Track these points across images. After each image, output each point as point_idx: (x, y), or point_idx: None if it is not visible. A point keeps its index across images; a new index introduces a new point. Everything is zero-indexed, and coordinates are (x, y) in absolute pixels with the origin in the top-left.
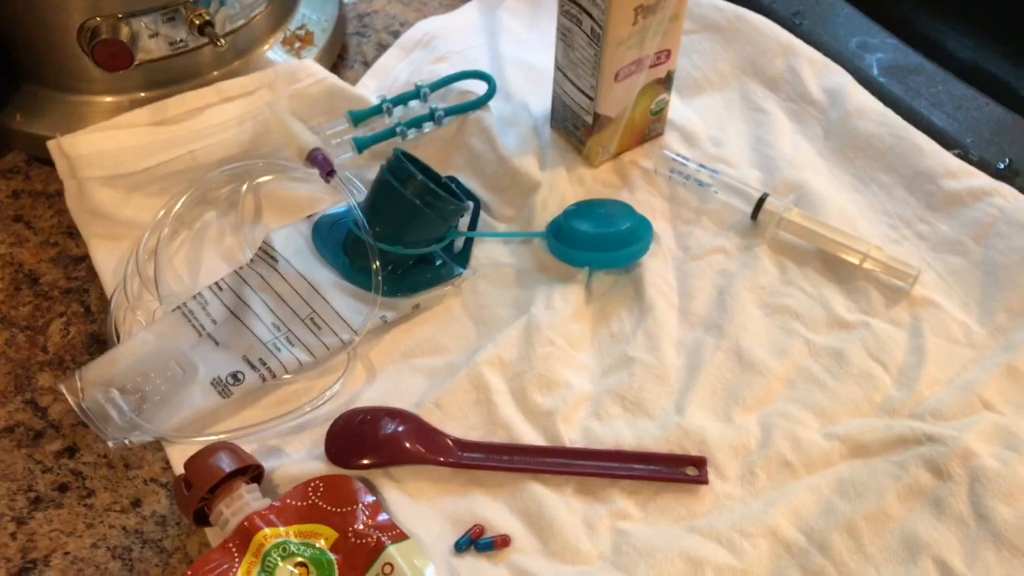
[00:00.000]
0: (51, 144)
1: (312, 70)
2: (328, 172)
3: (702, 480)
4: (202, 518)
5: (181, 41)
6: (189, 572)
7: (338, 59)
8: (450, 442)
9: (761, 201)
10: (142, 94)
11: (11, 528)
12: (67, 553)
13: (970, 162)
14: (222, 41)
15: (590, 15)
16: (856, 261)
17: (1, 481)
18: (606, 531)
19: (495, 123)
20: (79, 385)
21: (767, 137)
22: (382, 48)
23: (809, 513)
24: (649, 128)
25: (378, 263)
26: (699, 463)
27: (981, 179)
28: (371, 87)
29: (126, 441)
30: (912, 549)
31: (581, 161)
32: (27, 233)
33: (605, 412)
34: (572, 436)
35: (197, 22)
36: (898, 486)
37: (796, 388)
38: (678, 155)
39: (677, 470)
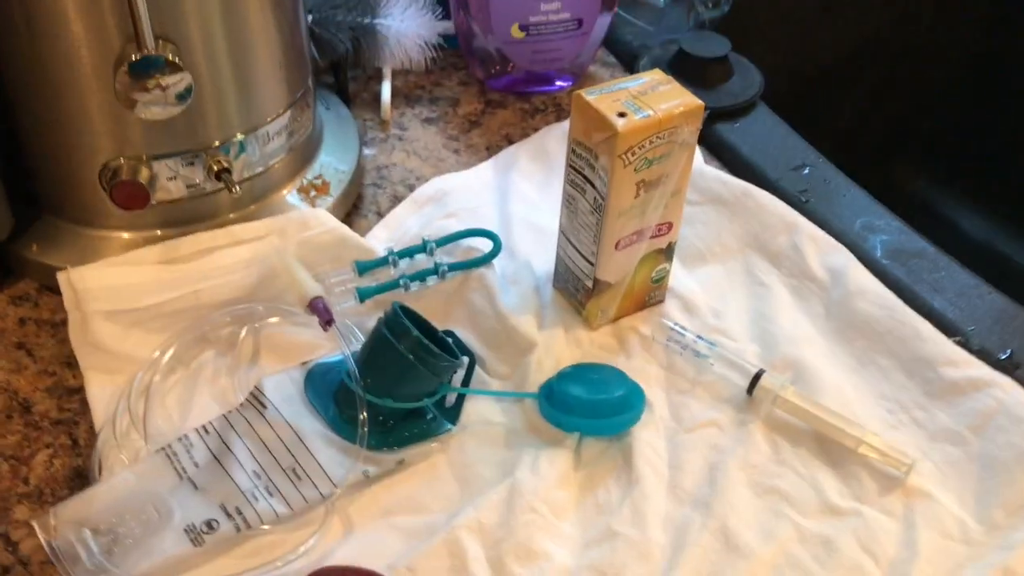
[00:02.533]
0: (60, 276)
1: (323, 220)
2: (327, 321)
3: None
4: None
5: (198, 184)
6: None
7: (352, 207)
8: None
9: (757, 377)
10: (158, 232)
11: None
12: None
13: (970, 350)
14: (237, 188)
15: (593, 185)
16: (851, 445)
17: None
18: None
19: (497, 281)
20: (52, 523)
21: (767, 312)
22: (396, 200)
23: None
24: (649, 295)
25: (365, 415)
26: None
27: (981, 369)
28: (381, 237)
29: None
30: None
31: (580, 323)
32: (27, 361)
33: None
34: None
35: (215, 168)
36: None
37: (782, 575)
38: (676, 324)
39: None
